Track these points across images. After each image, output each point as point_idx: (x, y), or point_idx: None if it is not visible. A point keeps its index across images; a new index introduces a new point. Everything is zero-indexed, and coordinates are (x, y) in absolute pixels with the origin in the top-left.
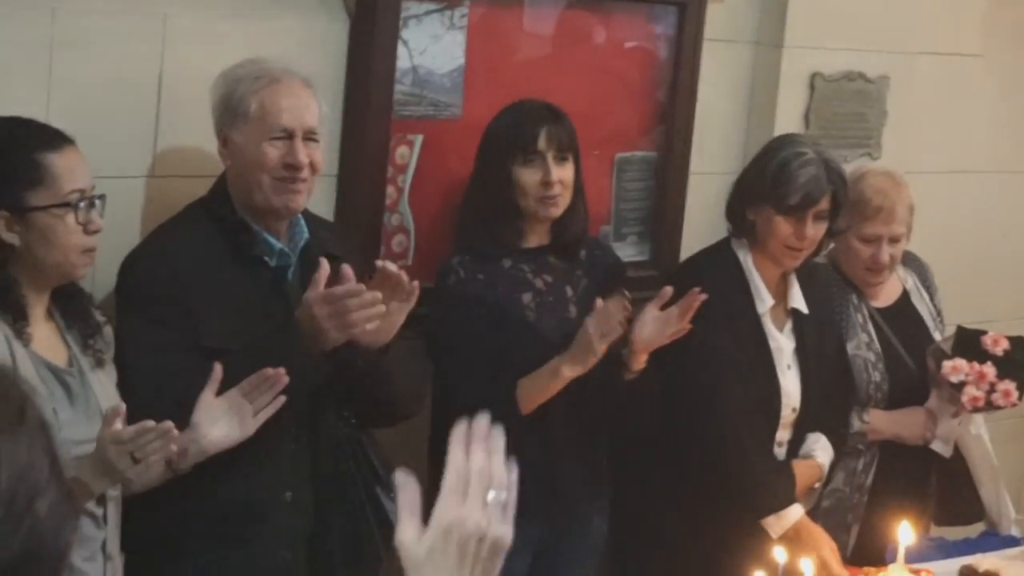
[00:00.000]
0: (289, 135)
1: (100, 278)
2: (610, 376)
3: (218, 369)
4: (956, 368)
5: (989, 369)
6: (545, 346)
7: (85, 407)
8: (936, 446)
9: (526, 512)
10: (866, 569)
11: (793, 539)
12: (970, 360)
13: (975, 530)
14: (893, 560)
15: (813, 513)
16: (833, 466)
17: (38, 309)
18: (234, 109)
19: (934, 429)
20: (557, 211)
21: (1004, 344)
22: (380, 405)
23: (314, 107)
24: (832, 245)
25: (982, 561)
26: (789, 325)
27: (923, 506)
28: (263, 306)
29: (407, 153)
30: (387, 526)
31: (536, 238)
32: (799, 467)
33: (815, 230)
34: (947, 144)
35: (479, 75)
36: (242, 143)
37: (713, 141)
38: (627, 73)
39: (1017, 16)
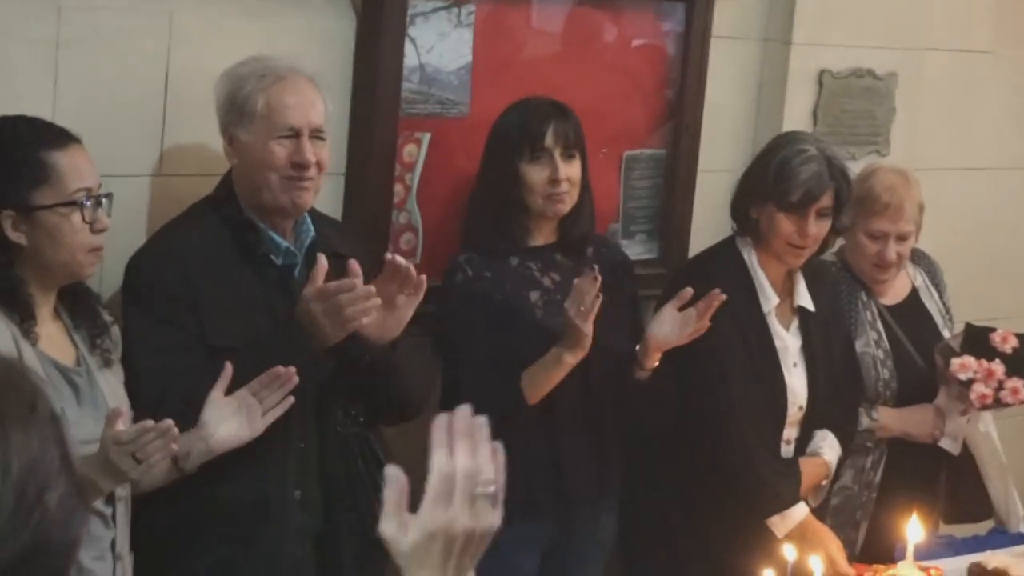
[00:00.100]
0: (296, 134)
1: (107, 277)
2: (622, 374)
3: (228, 368)
4: (965, 365)
5: (998, 366)
6: (553, 343)
7: (93, 407)
8: (945, 443)
9: (535, 510)
10: (875, 566)
11: (799, 538)
12: (979, 357)
13: (984, 527)
14: (902, 557)
15: (822, 510)
16: (841, 463)
17: (45, 308)
18: (240, 108)
19: (943, 427)
20: (564, 208)
21: (1013, 341)
22: (388, 401)
23: (320, 105)
24: (842, 243)
25: (991, 558)
26: (795, 323)
27: (932, 503)
28: (269, 305)
29: (415, 151)
30: None
31: (543, 236)
32: (806, 465)
33: (818, 228)
34: (956, 141)
35: (486, 73)
36: (248, 142)
37: (721, 138)
38: (635, 70)
39: None
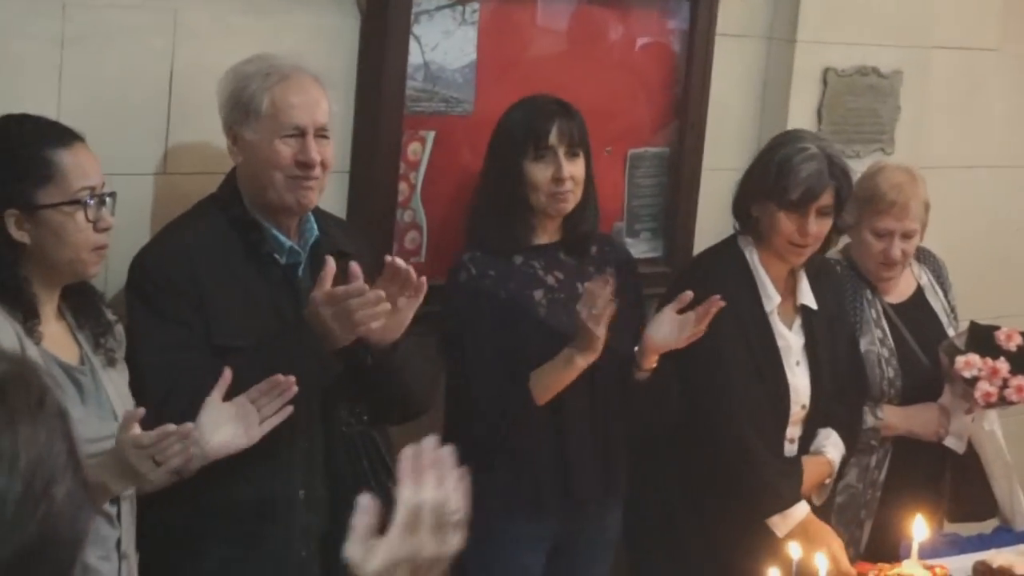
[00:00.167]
0: (301, 133)
1: (112, 276)
2: (624, 374)
3: (227, 373)
4: (969, 364)
5: (1002, 365)
6: (557, 342)
7: (97, 406)
8: (949, 442)
9: (542, 510)
10: (880, 565)
11: (800, 537)
12: (983, 356)
13: (989, 526)
14: (907, 556)
15: (826, 509)
16: (846, 462)
17: (48, 307)
18: (244, 106)
19: (947, 425)
20: (567, 207)
21: (1017, 340)
22: (390, 402)
23: (324, 103)
24: (848, 241)
25: (996, 557)
26: (798, 321)
27: (936, 502)
28: (274, 304)
29: (419, 149)
30: None
31: (547, 234)
32: (809, 463)
33: (818, 226)
34: (961, 139)
35: (491, 71)
36: (253, 141)
37: (726, 137)
38: (640, 69)
39: None
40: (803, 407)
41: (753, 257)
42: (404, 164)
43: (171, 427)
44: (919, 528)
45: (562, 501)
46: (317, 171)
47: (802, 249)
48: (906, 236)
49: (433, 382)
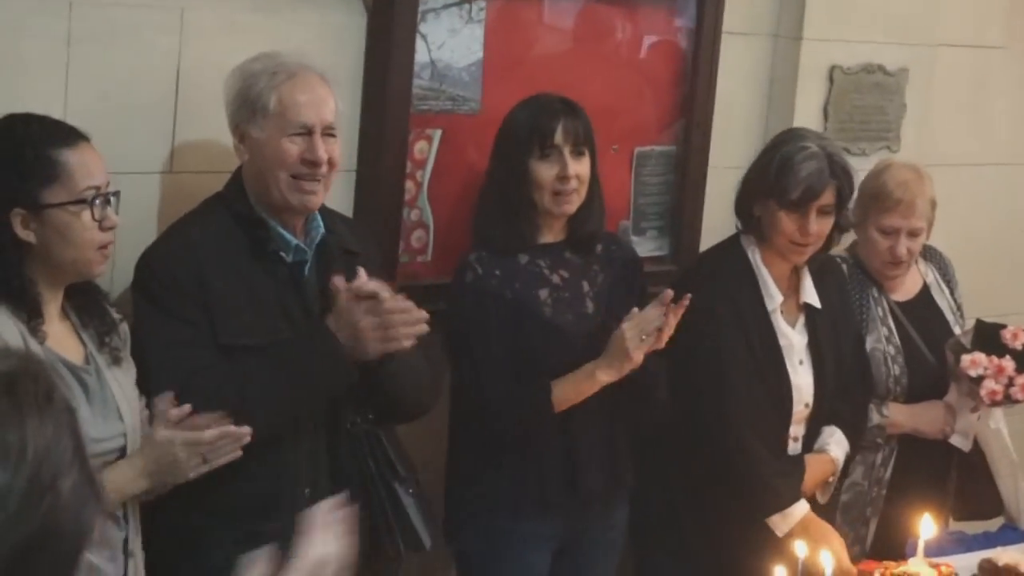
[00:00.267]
0: (308, 131)
1: (118, 275)
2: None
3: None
4: (975, 362)
5: (1008, 363)
6: (562, 341)
7: (102, 405)
8: (955, 440)
9: (548, 509)
10: (886, 563)
11: (800, 535)
12: (989, 354)
13: (994, 524)
14: (913, 554)
15: (832, 507)
16: (851, 460)
17: (53, 307)
18: (251, 104)
19: (953, 423)
20: (570, 208)
21: (1023, 338)
22: (387, 402)
23: (331, 102)
24: (854, 239)
25: (1001, 555)
26: (801, 320)
27: (942, 500)
28: (280, 302)
29: (426, 148)
30: (405, 522)
31: (552, 234)
32: (812, 461)
33: (819, 225)
34: (967, 137)
35: (497, 69)
36: (260, 139)
37: (732, 135)
38: (646, 67)
39: None
40: (806, 406)
41: (755, 256)
42: (411, 162)
43: (231, 428)
44: (925, 526)
45: (568, 499)
46: (323, 169)
47: (803, 248)
48: (912, 234)
49: (434, 383)
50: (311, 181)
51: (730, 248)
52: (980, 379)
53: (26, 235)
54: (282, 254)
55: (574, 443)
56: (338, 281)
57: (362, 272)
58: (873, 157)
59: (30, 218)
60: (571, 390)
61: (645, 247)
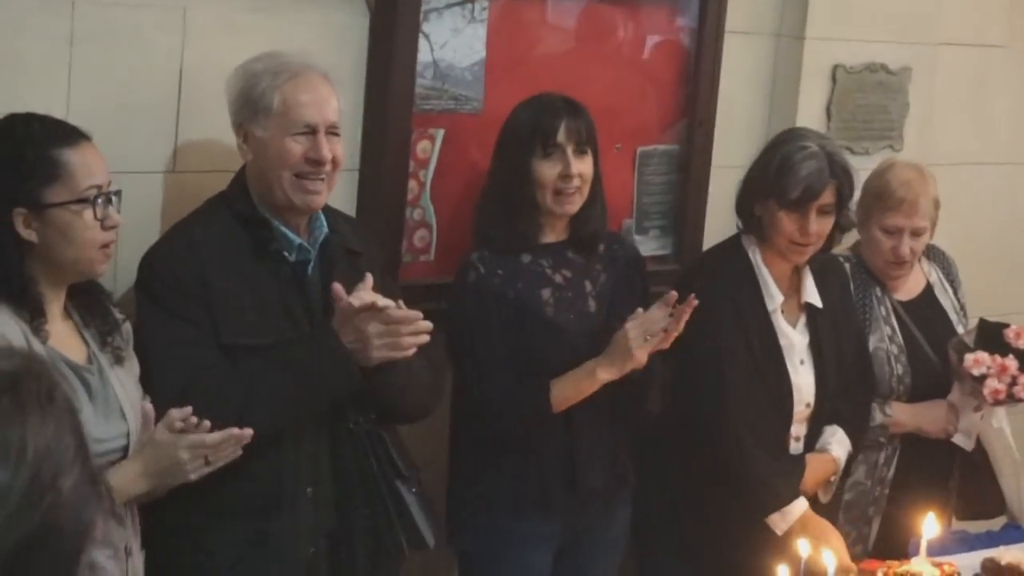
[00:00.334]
0: (312, 130)
1: (121, 274)
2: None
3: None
4: (978, 361)
5: (1011, 362)
6: (565, 341)
7: (104, 404)
8: (958, 439)
9: (549, 508)
10: (888, 562)
11: (799, 533)
12: (992, 353)
13: (997, 523)
14: (915, 553)
15: (834, 506)
16: (854, 459)
17: (55, 306)
18: (255, 104)
19: (956, 422)
20: (573, 208)
21: None
22: (386, 403)
23: (334, 101)
24: (857, 238)
25: (1004, 554)
26: (803, 320)
27: (945, 499)
28: (283, 302)
29: (429, 147)
30: (408, 521)
31: (554, 233)
32: (814, 461)
33: (819, 225)
34: (970, 136)
35: (500, 69)
36: (263, 138)
37: (735, 134)
38: (649, 66)
39: None
40: (808, 405)
41: (756, 256)
42: (413, 162)
43: (235, 430)
44: (928, 525)
45: (569, 497)
46: (327, 169)
47: (804, 248)
48: (915, 233)
49: (436, 384)
50: (315, 180)
51: (731, 248)
52: (983, 378)
53: (28, 234)
54: (285, 254)
55: (575, 443)
56: (338, 289)
57: (369, 278)
58: (876, 156)
59: (32, 217)
60: (571, 388)
61: (648, 246)
